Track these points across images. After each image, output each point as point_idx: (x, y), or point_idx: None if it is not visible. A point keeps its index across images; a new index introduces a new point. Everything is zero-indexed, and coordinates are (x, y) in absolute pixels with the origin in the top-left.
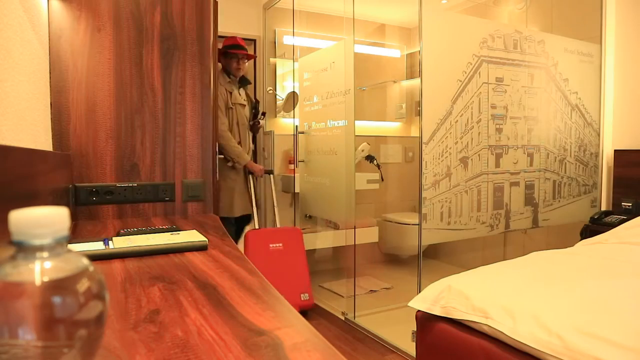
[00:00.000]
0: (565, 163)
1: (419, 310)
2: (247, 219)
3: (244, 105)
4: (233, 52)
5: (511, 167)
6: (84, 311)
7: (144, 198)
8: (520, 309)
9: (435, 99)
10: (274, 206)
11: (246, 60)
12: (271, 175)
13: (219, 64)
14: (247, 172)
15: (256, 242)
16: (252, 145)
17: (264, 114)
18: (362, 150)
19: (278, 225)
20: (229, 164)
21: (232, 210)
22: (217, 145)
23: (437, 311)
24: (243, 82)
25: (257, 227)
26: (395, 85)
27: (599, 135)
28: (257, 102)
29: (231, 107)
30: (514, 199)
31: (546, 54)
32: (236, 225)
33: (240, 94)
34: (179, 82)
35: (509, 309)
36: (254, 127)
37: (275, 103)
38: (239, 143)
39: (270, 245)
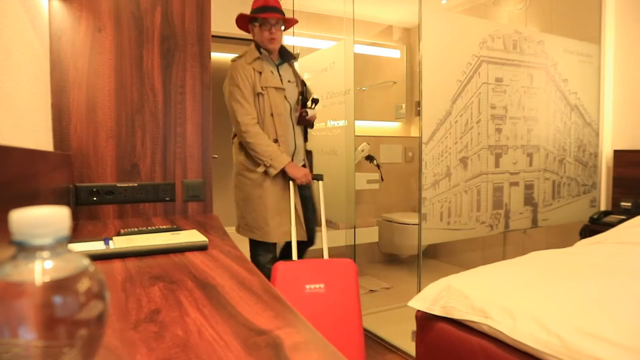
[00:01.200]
0: (565, 163)
1: (418, 310)
2: (304, 243)
3: (282, 89)
4: (262, 16)
5: (511, 167)
6: (85, 311)
7: (145, 198)
8: (520, 309)
9: (435, 99)
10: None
11: (282, 27)
12: (319, 182)
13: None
14: (288, 179)
15: (286, 279)
16: (302, 143)
17: (315, 101)
18: (362, 150)
19: (325, 256)
20: (259, 168)
21: (268, 234)
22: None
23: (436, 311)
24: (285, 57)
25: (294, 257)
26: (395, 85)
27: (598, 135)
28: (304, 84)
29: (261, 93)
30: (514, 199)
31: (545, 54)
32: (284, 254)
33: (280, 74)
34: (179, 82)
35: (508, 309)
36: (301, 119)
37: None
38: (276, 141)
39: (307, 287)
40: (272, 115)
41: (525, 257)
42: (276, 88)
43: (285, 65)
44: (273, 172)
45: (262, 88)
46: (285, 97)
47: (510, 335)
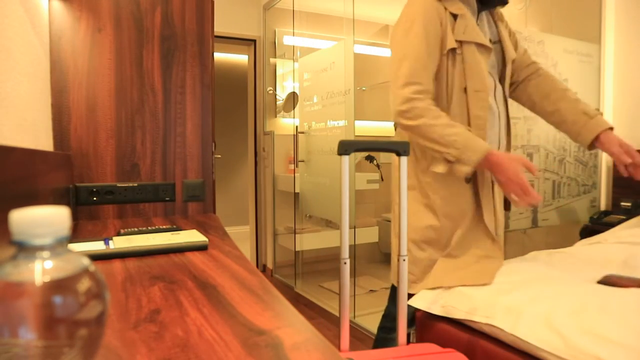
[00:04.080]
0: (565, 163)
1: (418, 310)
2: None
3: (489, 50)
4: None
5: None
6: (85, 311)
7: (145, 198)
8: (522, 307)
9: None
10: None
11: None
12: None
13: None
14: (491, 188)
15: None
16: (506, 144)
17: None
18: None
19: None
20: (437, 167)
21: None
22: (214, 144)
23: (436, 310)
24: (488, 1)
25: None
26: None
27: None
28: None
29: (454, 50)
30: None
31: (545, 54)
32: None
33: (484, 27)
34: (179, 82)
35: (509, 307)
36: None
37: (275, 103)
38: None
39: None
40: (465, 90)
41: (526, 257)
42: (479, 46)
43: (486, 16)
44: (464, 169)
45: (458, 44)
46: (485, 63)
47: (512, 332)
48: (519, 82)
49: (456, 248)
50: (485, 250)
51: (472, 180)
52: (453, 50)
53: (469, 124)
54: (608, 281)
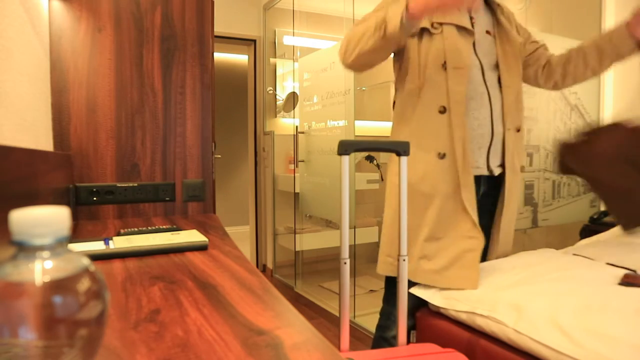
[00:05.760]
0: None
1: (419, 311)
2: None
3: (470, 33)
4: None
5: None
6: (85, 311)
7: (145, 198)
8: (525, 303)
9: None
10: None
11: None
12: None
13: None
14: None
15: None
16: (506, 132)
17: None
18: None
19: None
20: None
21: (416, 269)
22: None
23: (438, 301)
24: None
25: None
26: None
27: None
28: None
29: (428, 30)
30: None
31: None
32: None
33: (471, 17)
34: (179, 82)
35: (512, 303)
36: None
37: (275, 103)
38: (443, 111)
39: None
40: (444, 67)
41: (529, 253)
42: (459, 27)
43: (483, 7)
44: (395, 20)
45: (432, 25)
46: (474, 48)
47: (514, 327)
48: (541, 67)
49: (438, 228)
50: (467, 230)
51: (449, 156)
52: (427, 29)
53: (447, 99)
54: (630, 281)
